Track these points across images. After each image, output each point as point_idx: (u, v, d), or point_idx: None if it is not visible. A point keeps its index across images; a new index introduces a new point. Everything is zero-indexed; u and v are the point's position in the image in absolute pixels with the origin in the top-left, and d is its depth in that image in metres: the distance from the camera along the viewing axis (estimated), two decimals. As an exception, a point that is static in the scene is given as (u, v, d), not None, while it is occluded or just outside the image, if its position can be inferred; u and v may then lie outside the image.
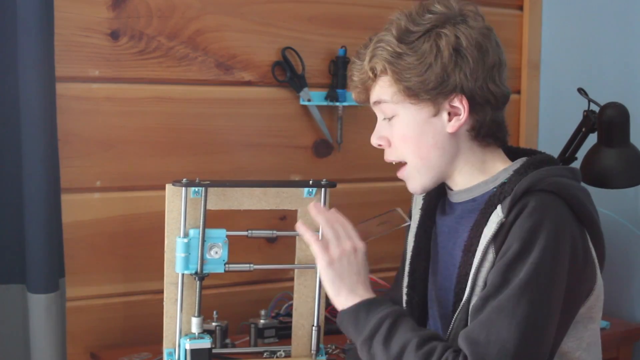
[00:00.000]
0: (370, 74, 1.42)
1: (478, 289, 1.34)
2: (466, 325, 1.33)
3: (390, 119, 1.44)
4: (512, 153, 1.48)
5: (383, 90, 1.42)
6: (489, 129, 1.42)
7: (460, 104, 1.39)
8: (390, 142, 1.45)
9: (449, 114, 1.40)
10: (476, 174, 1.44)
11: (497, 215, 1.33)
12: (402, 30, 1.39)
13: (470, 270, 1.36)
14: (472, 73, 1.38)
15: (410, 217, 1.59)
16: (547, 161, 1.42)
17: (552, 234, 1.28)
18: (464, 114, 1.39)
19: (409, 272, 1.55)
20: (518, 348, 1.24)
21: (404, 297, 1.56)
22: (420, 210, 1.56)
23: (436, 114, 1.40)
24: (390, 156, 1.47)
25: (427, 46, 1.37)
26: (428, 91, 1.38)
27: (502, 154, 1.46)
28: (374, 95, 1.44)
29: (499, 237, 1.32)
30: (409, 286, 1.55)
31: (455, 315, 1.38)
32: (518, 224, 1.30)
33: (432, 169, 1.43)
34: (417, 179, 1.45)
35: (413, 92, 1.38)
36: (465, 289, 1.36)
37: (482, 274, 1.34)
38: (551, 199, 1.31)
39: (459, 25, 1.39)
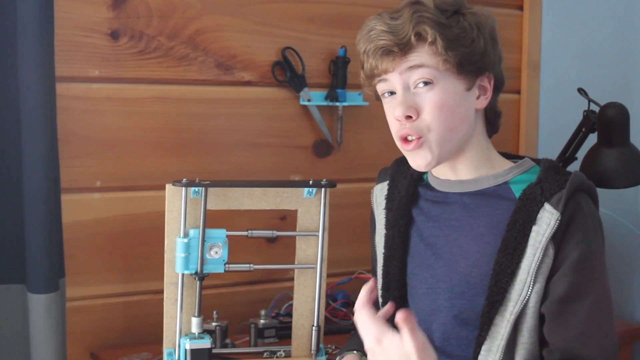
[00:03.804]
0: (413, 39, 1.39)
1: (538, 286, 1.36)
2: (534, 322, 1.37)
3: (425, 84, 1.40)
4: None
5: (427, 57, 1.39)
6: (496, 114, 1.49)
7: (489, 84, 1.44)
8: (419, 113, 1.40)
9: (478, 91, 1.44)
10: (482, 164, 1.46)
11: (550, 213, 1.36)
12: (438, 5, 1.41)
13: (517, 269, 1.37)
14: (498, 56, 1.45)
15: (374, 220, 1.59)
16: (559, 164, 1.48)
17: (601, 232, 1.40)
18: (489, 93, 1.44)
19: (383, 275, 1.54)
20: (616, 345, 1.37)
21: (379, 300, 1.55)
22: (384, 210, 1.56)
23: (469, 88, 1.42)
24: (411, 130, 1.40)
25: (467, 23, 1.40)
26: (472, 63, 1.40)
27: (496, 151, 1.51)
28: (416, 59, 1.39)
29: (557, 234, 1.36)
30: (383, 288, 1.54)
31: (509, 314, 1.37)
32: (579, 222, 1.36)
33: (454, 142, 1.42)
34: (433, 151, 1.41)
35: (459, 62, 1.39)
36: (506, 288, 1.37)
37: (542, 271, 1.36)
38: (590, 200, 1.40)
39: (483, 11, 1.44)
